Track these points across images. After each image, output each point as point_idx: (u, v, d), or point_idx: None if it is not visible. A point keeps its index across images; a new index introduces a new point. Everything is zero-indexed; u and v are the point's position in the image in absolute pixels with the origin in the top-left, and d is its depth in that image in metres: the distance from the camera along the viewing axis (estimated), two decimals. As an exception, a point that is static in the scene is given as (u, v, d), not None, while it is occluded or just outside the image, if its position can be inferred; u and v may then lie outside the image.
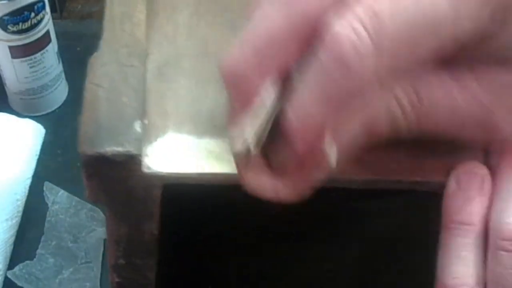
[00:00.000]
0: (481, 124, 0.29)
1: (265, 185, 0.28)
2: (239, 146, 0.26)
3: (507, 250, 0.28)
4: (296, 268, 0.43)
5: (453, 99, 0.28)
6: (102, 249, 0.64)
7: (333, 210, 0.39)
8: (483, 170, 0.30)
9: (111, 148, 0.28)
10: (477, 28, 0.25)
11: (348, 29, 0.24)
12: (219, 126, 0.31)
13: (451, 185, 0.30)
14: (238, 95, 0.27)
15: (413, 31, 0.25)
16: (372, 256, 0.42)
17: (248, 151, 0.26)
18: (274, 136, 0.27)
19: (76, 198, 0.67)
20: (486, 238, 0.29)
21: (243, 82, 0.27)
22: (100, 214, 0.65)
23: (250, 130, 0.26)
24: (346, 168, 0.30)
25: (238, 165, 0.28)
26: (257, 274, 0.43)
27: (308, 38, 0.26)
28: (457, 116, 0.28)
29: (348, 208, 0.39)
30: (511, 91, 0.28)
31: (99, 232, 0.65)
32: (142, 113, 0.30)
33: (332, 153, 0.27)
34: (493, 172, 0.30)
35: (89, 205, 0.66)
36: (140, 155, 0.28)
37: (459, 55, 0.27)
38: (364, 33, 0.24)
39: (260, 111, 0.26)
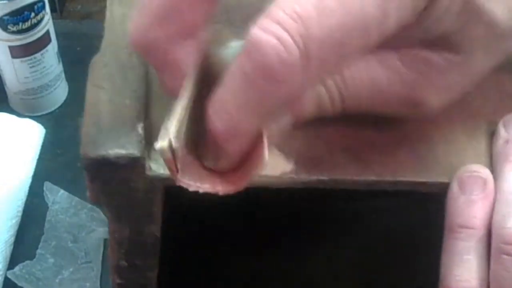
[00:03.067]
0: (405, 101, 0.30)
1: (202, 184, 0.27)
2: (161, 143, 0.25)
3: (509, 254, 0.28)
4: (296, 268, 0.43)
5: (375, 78, 0.29)
6: (102, 249, 0.64)
7: (333, 210, 0.39)
8: (486, 173, 0.30)
9: (114, 151, 0.28)
10: (403, 22, 0.25)
11: (271, 36, 0.23)
12: None
13: (454, 188, 0.30)
14: (155, 61, 0.27)
15: (341, 33, 0.24)
16: (372, 256, 0.42)
17: (171, 145, 0.25)
18: (204, 135, 0.27)
19: (76, 198, 0.67)
20: (489, 241, 0.29)
21: (152, 47, 0.26)
22: (100, 214, 0.65)
23: (170, 125, 0.25)
24: (348, 170, 0.30)
25: (167, 163, 0.26)
26: (258, 275, 0.43)
27: None
28: (380, 94, 0.29)
29: (348, 208, 0.39)
30: (436, 69, 0.29)
31: (99, 232, 0.65)
32: (145, 115, 0.30)
33: (264, 149, 0.26)
34: (496, 175, 0.30)
35: (89, 205, 0.66)
36: (142, 157, 0.28)
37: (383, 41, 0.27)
38: (289, 41, 0.23)
39: (178, 103, 0.26)
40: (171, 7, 0.26)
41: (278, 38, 0.23)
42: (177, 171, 0.26)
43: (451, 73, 0.29)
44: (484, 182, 0.29)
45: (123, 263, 0.33)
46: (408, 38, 0.28)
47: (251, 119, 0.25)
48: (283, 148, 0.30)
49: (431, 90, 0.30)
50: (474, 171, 0.30)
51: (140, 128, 0.29)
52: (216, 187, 0.27)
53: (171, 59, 0.26)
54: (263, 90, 0.24)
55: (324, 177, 0.30)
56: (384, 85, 0.29)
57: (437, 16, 0.27)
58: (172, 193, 0.30)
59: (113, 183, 0.29)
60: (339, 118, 0.31)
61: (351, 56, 0.25)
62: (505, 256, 0.28)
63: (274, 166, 0.30)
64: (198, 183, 0.27)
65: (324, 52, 0.24)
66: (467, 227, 0.29)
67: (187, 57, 0.27)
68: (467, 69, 0.30)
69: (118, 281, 0.34)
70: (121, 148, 0.28)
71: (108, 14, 0.33)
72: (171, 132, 0.25)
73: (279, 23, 0.23)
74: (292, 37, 0.23)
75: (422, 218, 0.36)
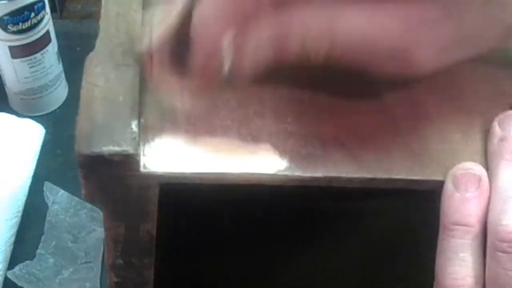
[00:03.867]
0: (393, 56, 0.29)
1: (170, 82, 0.30)
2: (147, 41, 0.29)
3: (505, 252, 0.28)
4: (296, 268, 0.43)
5: (364, 27, 0.28)
6: (102, 249, 0.64)
7: (333, 210, 0.39)
8: (480, 170, 0.30)
9: (108, 148, 0.28)
10: None
11: None
12: (216, 125, 0.31)
13: (448, 185, 0.30)
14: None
15: None
16: (372, 256, 0.42)
17: (151, 42, 0.28)
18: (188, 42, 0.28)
19: (76, 198, 0.67)
20: (484, 238, 0.29)
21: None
22: (100, 214, 0.65)
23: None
24: (342, 168, 0.30)
25: (144, 60, 0.29)
26: (255, 274, 0.43)
27: None
28: (366, 45, 0.29)
29: (347, 208, 0.39)
30: (429, 24, 0.28)
31: (99, 232, 0.65)
32: (139, 113, 0.30)
33: (226, 60, 0.28)
34: (491, 172, 0.30)
35: (89, 205, 0.66)
36: (137, 154, 0.28)
37: None
38: None
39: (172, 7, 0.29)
40: None
41: None
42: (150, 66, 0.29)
43: (443, 26, 0.28)
44: (479, 179, 0.29)
45: (120, 261, 0.33)
46: None
47: (220, 21, 0.27)
48: (277, 145, 0.30)
49: (421, 44, 0.28)
50: (469, 169, 0.30)
51: (134, 125, 0.29)
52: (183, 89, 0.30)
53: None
54: None
55: (318, 175, 0.30)
56: (371, 35, 0.28)
57: None
58: (168, 191, 0.30)
59: (107, 180, 0.29)
60: (334, 111, 0.31)
61: None
62: (500, 254, 0.28)
63: (268, 163, 0.30)
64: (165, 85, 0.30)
65: None
66: (462, 225, 0.29)
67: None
68: (461, 27, 0.28)
69: (115, 279, 0.34)
70: (116, 145, 0.28)
71: (103, 12, 0.33)
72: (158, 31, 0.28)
73: None
74: None
75: (420, 217, 0.36)
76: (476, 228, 0.29)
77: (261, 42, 0.28)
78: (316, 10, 0.28)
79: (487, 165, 0.30)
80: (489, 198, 0.29)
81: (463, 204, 0.29)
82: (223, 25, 0.27)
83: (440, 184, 0.30)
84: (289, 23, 0.28)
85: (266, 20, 0.28)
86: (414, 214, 0.38)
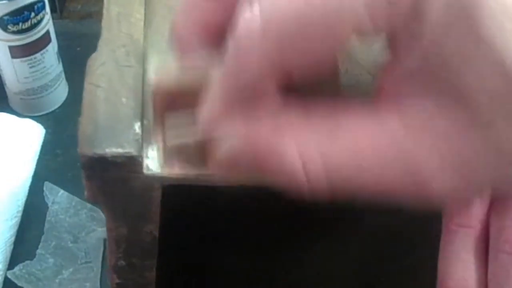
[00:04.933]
0: (403, 176, 0.23)
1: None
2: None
3: (507, 253, 0.28)
4: (296, 268, 0.43)
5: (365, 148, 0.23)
6: (102, 249, 0.64)
7: (333, 210, 0.39)
8: None
9: (111, 149, 0.28)
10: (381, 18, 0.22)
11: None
12: None
13: None
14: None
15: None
16: (372, 255, 0.42)
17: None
18: None
19: (76, 198, 0.67)
20: (487, 239, 0.29)
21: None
22: (100, 214, 0.65)
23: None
24: None
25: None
26: (257, 274, 0.43)
27: None
28: (371, 169, 0.23)
29: (348, 208, 0.39)
30: (441, 131, 0.22)
31: (99, 232, 0.65)
32: (141, 114, 0.30)
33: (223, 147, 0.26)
34: None
35: (89, 205, 0.66)
36: (139, 156, 0.28)
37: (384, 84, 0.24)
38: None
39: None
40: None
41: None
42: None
43: (462, 139, 0.22)
44: None
45: (121, 262, 0.33)
46: (407, 68, 0.23)
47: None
48: None
49: (436, 162, 0.22)
50: None
51: (137, 127, 0.29)
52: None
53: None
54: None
55: None
56: (378, 155, 0.23)
57: (429, 27, 0.21)
58: (170, 192, 0.30)
59: (110, 182, 0.29)
60: None
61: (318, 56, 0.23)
62: (503, 255, 0.28)
63: None
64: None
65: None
66: (464, 226, 0.29)
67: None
68: (487, 139, 0.22)
69: (117, 280, 0.34)
70: (118, 146, 0.28)
71: (105, 12, 0.33)
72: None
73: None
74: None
75: (421, 216, 0.36)
76: (478, 229, 0.29)
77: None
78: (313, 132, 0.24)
79: None
80: (492, 199, 0.29)
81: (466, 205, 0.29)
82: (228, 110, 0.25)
83: None
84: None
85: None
86: (416, 215, 0.38)
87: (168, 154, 0.28)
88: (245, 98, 0.24)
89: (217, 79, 0.25)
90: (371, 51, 0.31)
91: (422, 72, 0.22)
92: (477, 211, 0.29)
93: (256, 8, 0.23)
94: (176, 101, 0.27)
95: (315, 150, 0.23)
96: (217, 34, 0.27)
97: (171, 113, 0.28)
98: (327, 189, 0.24)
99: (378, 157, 0.23)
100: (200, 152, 0.27)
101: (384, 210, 0.39)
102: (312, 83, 0.25)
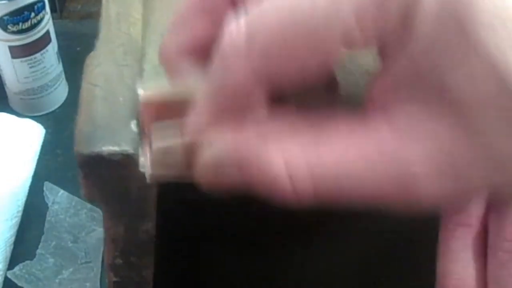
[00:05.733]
0: (392, 182, 0.23)
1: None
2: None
3: (507, 251, 0.28)
4: (296, 267, 0.43)
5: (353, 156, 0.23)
6: (102, 249, 0.64)
7: (333, 209, 0.39)
8: None
9: (107, 148, 0.28)
10: (372, 30, 0.22)
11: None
12: None
13: None
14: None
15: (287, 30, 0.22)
16: (372, 255, 0.42)
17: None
18: None
19: (76, 198, 0.67)
20: (486, 238, 0.29)
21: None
22: (100, 214, 0.65)
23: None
24: None
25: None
26: (256, 274, 0.43)
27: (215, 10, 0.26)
28: (359, 178, 0.23)
29: (348, 208, 0.39)
30: (432, 135, 0.22)
31: (99, 232, 0.65)
32: (138, 113, 0.30)
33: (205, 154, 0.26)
34: None
35: (89, 205, 0.66)
36: (136, 154, 0.28)
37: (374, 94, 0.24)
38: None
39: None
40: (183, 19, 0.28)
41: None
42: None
43: (453, 144, 0.22)
44: None
45: (119, 261, 0.33)
46: (396, 75, 0.23)
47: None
48: None
49: (426, 167, 0.22)
50: None
51: (133, 125, 0.29)
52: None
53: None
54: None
55: None
56: (365, 163, 0.22)
57: (419, 35, 0.21)
58: (167, 191, 0.30)
59: (107, 180, 0.29)
60: None
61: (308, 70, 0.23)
62: (502, 253, 0.28)
63: None
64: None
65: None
66: (463, 225, 0.29)
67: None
68: (479, 144, 0.21)
69: (114, 279, 0.34)
70: (115, 145, 0.28)
71: (103, 12, 0.33)
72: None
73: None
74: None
75: (421, 216, 0.36)
76: (477, 228, 0.29)
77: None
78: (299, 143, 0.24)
79: None
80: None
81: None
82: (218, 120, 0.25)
83: None
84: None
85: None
86: (415, 214, 0.38)
87: (155, 159, 0.28)
88: (231, 107, 0.24)
89: (204, 90, 0.25)
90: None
91: (411, 78, 0.22)
92: (476, 210, 0.29)
93: (242, 20, 0.23)
94: (164, 116, 0.27)
95: (301, 158, 0.23)
96: (206, 49, 0.27)
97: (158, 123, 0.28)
98: (313, 197, 0.23)
99: (366, 165, 0.22)
100: (186, 158, 0.27)
101: (385, 210, 0.39)
102: (311, 93, 0.25)
